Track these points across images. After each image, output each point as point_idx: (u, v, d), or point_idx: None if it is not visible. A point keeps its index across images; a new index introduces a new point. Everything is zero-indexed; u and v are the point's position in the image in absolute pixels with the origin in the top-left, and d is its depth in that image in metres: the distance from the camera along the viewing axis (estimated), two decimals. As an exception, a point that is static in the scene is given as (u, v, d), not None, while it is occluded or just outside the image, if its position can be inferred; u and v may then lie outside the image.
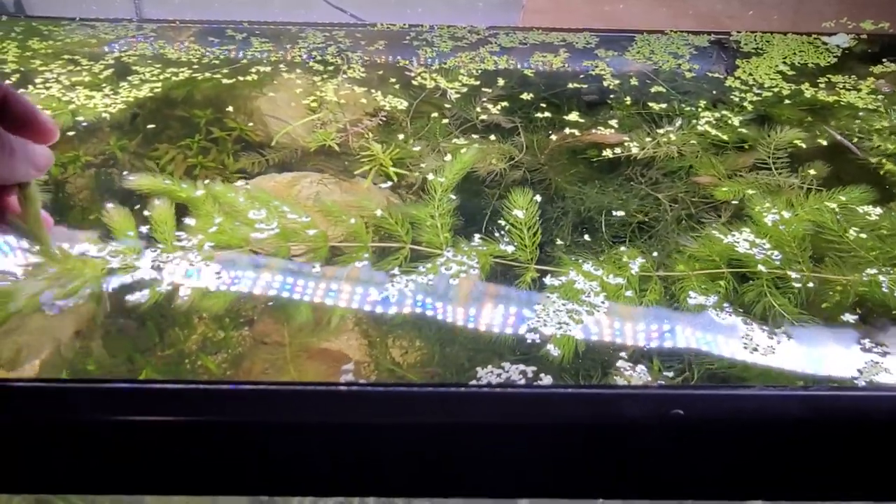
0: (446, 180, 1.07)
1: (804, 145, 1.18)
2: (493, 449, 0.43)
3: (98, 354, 0.80)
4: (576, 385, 0.75)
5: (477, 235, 0.97)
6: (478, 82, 1.38)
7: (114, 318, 0.83)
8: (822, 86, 1.37)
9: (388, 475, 0.42)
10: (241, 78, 1.37)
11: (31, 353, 0.78)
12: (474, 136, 1.20)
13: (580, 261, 0.92)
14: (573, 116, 1.27)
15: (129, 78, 1.35)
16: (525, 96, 1.33)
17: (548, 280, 0.90)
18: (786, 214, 1.00)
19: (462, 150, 1.16)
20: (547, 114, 1.28)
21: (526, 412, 0.44)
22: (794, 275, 0.90)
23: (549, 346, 0.80)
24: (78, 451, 0.36)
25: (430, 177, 1.09)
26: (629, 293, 0.87)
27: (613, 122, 1.25)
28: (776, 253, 0.93)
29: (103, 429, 0.36)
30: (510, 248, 0.95)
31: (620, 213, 1.02)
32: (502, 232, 0.98)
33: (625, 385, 0.76)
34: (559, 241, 0.96)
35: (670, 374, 0.78)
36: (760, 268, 0.90)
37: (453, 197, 1.04)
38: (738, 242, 0.95)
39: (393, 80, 1.39)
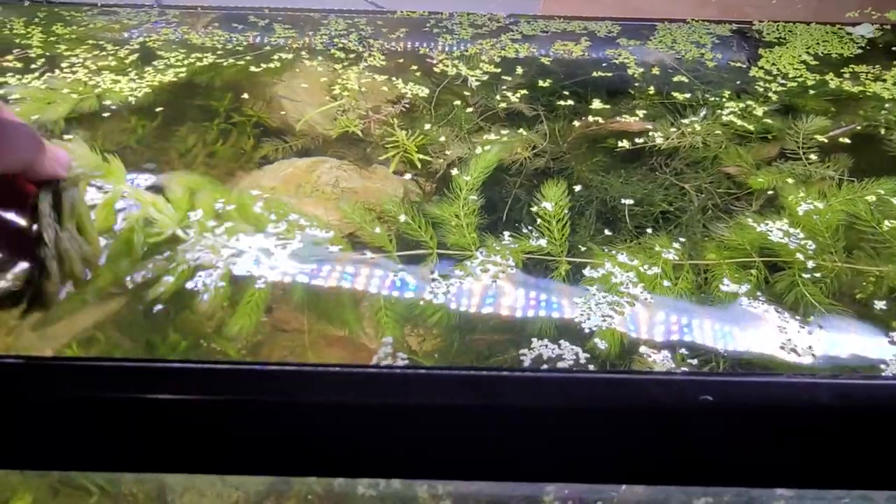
0: (471, 179, 1.07)
1: (828, 137, 1.17)
2: (519, 432, 0.43)
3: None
4: (601, 370, 0.76)
5: (506, 233, 0.98)
6: (499, 70, 1.38)
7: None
8: (847, 76, 1.36)
9: (415, 458, 0.43)
10: (263, 65, 1.38)
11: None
12: (497, 125, 1.20)
13: (612, 251, 0.93)
14: (596, 105, 1.27)
15: (154, 63, 1.36)
16: (546, 84, 1.33)
17: (584, 272, 0.91)
18: (818, 204, 0.99)
19: (486, 146, 1.15)
20: (569, 102, 1.28)
21: (550, 395, 0.44)
22: (827, 265, 0.90)
23: (594, 339, 0.82)
24: (106, 429, 0.37)
25: (457, 167, 1.09)
26: (666, 283, 0.88)
27: (637, 112, 1.25)
28: (810, 243, 0.93)
29: (128, 406, 0.36)
30: (542, 242, 0.96)
31: (652, 202, 1.02)
32: (530, 227, 0.98)
33: (652, 370, 0.76)
34: (589, 232, 0.97)
35: (694, 362, 0.78)
36: (799, 256, 0.91)
37: (475, 197, 1.05)
38: (771, 231, 0.95)
39: (414, 67, 1.39)
